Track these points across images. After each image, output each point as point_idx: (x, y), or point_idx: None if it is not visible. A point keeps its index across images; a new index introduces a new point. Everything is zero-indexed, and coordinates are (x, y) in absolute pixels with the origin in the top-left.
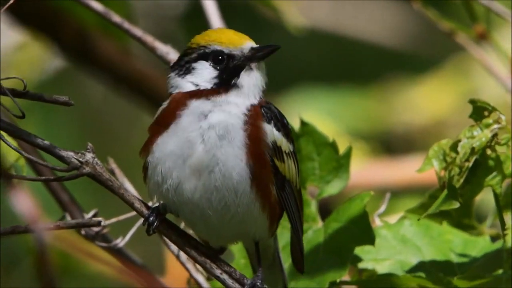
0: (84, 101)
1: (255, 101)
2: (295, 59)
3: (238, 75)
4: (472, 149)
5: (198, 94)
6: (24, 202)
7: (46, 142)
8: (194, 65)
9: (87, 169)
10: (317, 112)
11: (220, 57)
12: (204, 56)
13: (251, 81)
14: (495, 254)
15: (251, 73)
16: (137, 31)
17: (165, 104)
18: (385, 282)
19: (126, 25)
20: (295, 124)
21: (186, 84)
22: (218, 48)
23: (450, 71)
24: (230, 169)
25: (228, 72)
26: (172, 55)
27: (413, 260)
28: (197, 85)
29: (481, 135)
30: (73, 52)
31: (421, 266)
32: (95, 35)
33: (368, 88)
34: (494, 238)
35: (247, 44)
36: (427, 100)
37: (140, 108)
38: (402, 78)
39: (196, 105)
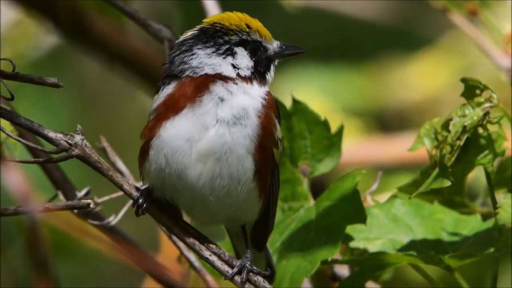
0: (81, 78)
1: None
2: (290, 37)
3: (269, 69)
4: (464, 127)
5: (225, 78)
6: (16, 180)
7: (35, 124)
8: (235, 49)
9: (76, 151)
10: (311, 89)
11: (257, 48)
12: (244, 43)
13: (273, 75)
14: (486, 233)
15: (273, 68)
16: (130, 9)
17: (172, 88)
18: (376, 260)
19: (119, 2)
20: (287, 103)
21: (227, 66)
22: (258, 39)
23: (445, 48)
24: (236, 159)
25: (262, 65)
26: (165, 32)
27: (405, 239)
28: (238, 69)
29: (473, 114)
30: (68, 29)
31: (412, 245)
32: (90, 12)
33: (362, 66)
34: (485, 217)
35: (274, 40)
36: (421, 78)
37: (134, 85)
38: (396, 55)
39: (220, 89)
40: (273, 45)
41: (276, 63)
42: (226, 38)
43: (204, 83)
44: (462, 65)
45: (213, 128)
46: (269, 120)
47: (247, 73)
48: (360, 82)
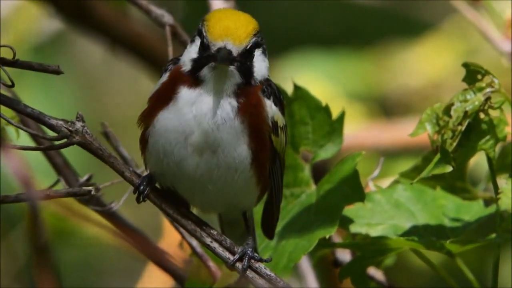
0: (82, 63)
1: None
2: (292, 22)
3: (201, 69)
4: (465, 112)
5: (185, 79)
6: (17, 167)
7: (36, 110)
8: (196, 37)
9: (77, 138)
10: (314, 74)
11: (204, 44)
12: (200, 35)
13: (215, 79)
14: (489, 219)
15: (214, 71)
16: None
17: (165, 78)
18: (377, 245)
19: None
20: (289, 89)
21: (186, 53)
22: (204, 34)
23: (446, 33)
24: (232, 151)
25: (200, 62)
26: (167, 18)
27: (407, 225)
28: (183, 60)
29: (474, 99)
30: (70, 14)
31: (414, 231)
32: None
33: (365, 51)
34: (488, 202)
35: (223, 42)
36: (423, 63)
37: (137, 69)
38: (398, 41)
39: (184, 92)
40: (213, 47)
41: (213, 66)
42: (199, 27)
43: (176, 82)
44: (464, 50)
45: (198, 128)
46: (256, 113)
47: (187, 65)
48: (362, 68)
